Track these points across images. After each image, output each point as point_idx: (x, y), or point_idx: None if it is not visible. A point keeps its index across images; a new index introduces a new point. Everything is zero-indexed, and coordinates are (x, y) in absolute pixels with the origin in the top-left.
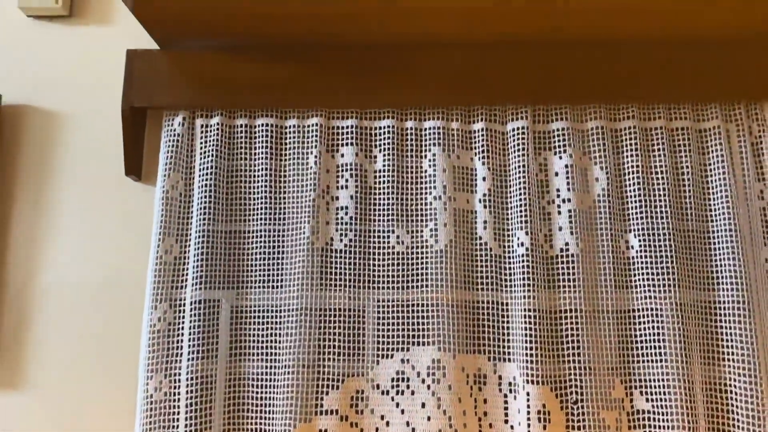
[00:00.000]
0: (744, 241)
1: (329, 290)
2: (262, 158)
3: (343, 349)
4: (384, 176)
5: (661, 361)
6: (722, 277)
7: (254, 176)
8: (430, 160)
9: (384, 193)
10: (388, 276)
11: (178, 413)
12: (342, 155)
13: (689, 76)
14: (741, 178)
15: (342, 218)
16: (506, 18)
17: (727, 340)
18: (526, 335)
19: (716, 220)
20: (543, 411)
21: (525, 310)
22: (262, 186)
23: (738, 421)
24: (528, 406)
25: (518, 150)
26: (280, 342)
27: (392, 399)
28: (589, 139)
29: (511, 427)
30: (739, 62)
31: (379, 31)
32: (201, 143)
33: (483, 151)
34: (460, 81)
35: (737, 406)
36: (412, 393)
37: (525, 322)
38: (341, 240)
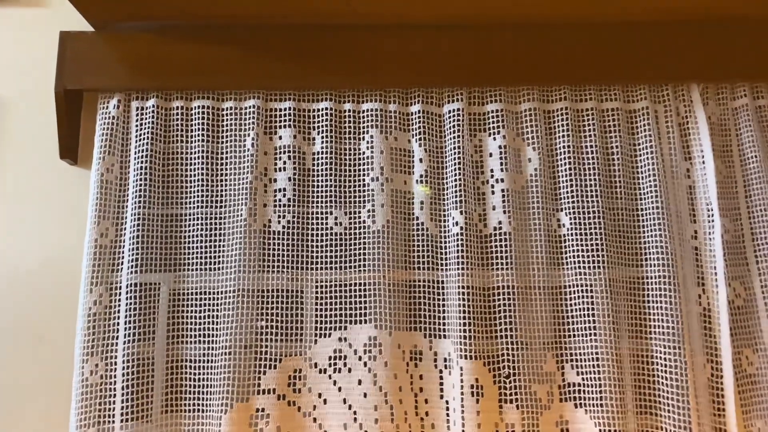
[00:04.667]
0: (671, 219)
1: (267, 272)
2: (199, 141)
3: (281, 329)
4: (322, 158)
5: (591, 335)
6: (650, 254)
7: (191, 159)
8: (368, 142)
9: (322, 175)
10: (326, 257)
11: (115, 396)
12: (280, 137)
13: (619, 58)
14: (668, 157)
15: (280, 200)
16: (439, 0)
17: (653, 314)
18: (460, 312)
19: (644, 199)
20: (476, 385)
21: (460, 287)
22: (199, 169)
23: (662, 391)
24: (461, 381)
25: (454, 132)
26: (218, 324)
27: (329, 377)
28: (523, 120)
29: (446, 401)
30: (667, 45)
31: (315, 13)
32: (136, 126)
33: (420, 133)
34: (396, 64)
35: (662, 377)
36: (349, 371)
37: (460, 300)
38: (279, 222)
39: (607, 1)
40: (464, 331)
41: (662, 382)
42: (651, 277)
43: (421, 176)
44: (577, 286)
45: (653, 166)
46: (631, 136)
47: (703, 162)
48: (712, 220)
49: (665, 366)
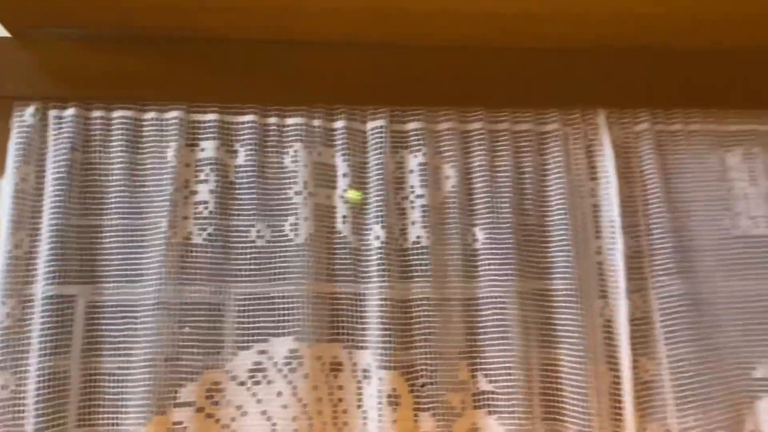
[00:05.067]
0: (576, 235)
1: (188, 284)
2: (119, 151)
3: (201, 342)
4: (245, 171)
5: (503, 345)
6: (556, 267)
7: (111, 169)
8: (292, 156)
9: (245, 188)
10: (248, 269)
11: (27, 411)
12: (202, 149)
13: (532, 83)
14: (576, 177)
15: (201, 213)
16: (364, 20)
17: (560, 325)
18: (380, 324)
19: (552, 216)
20: (393, 395)
21: (380, 300)
22: (118, 179)
23: (567, 397)
24: (379, 391)
25: (377, 148)
26: (137, 337)
27: (248, 389)
28: (442, 139)
29: (364, 411)
30: (576, 72)
31: (242, 27)
32: (54, 135)
33: (344, 149)
34: (321, 80)
35: (567, 384)
36: (269, 383)
37: (379, 312)
38: (200, 234)
39: (520, 28)
40: (383, 342)
41: (567, 389)
42: (557, 290)
43: (345, 191)
44: (490, 297)
45: (561, 185)
46: (541, 157)
47: (608, 182)
48: (615, 237)
49: (569, 374)
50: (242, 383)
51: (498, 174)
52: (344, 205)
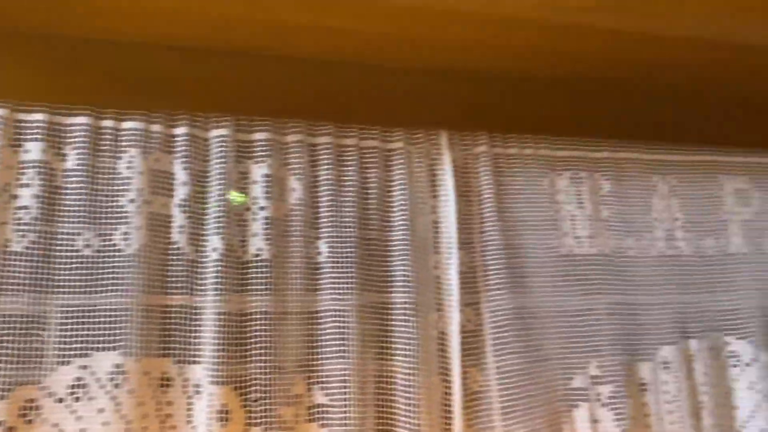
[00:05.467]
0: (416, 250)
1: (4, 295)
2: None
3: (14, 356)
4: (74, 175)
5: (341, 358)
6: (396, 281)
7: None
8: (127, 162)
9: (73, 194)
10: (72, 280)
11: None
12: (26, 151)
13: (380, 101)
14: (418, 194)
15: (22, 218)
16: (209, 26)
17: (396, 338)
18: (214, 338)
19: (394, 231)
20: (223, 410)
21: (215, 313)
22: None
23: (399, 409)
24: (209, 407)
25: (219, 157)
26: None
27: (67, 406)
28: (289, 151)
29: (194, 427)
30: (422, 94)
31: (77, 26)
32: None
33: (184, 156)
34: (162, 85)
35: (400, 397)
36: (90, 399)
37: (214, 325)
38: (20, 242)
39: (372, 46)
40: (216, 356)
41: (401, 401)
42: (396, 303)
43: (183, 200)
44: (331, 311)
45: (404, 202)
46: (386, 173)
47: (447, 200)
48: (451, 253)
49: (404, 386)
50: (61, 400)
51: (343, 188)
52: (181, 214)
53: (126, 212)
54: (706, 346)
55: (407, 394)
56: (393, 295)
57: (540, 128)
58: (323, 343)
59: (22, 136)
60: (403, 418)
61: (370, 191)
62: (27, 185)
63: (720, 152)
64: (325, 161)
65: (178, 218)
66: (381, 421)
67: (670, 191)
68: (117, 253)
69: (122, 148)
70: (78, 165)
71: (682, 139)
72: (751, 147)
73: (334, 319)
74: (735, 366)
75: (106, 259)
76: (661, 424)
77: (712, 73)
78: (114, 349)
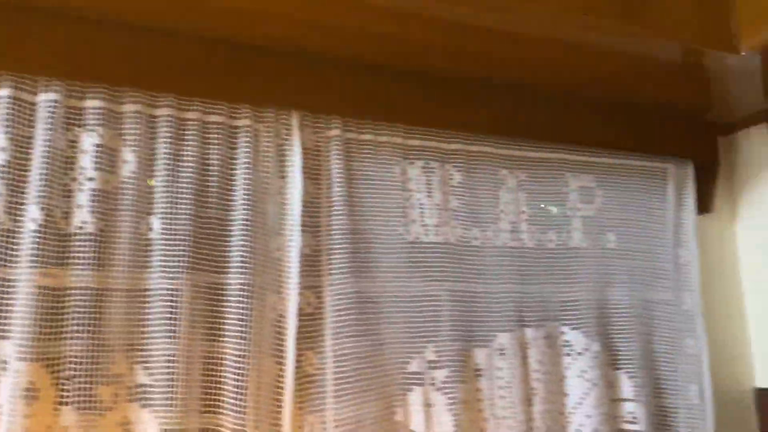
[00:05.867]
0: (257, 230)
1: None
2: None
3: None
4: None
5: (168, 337)
6: (233, 261)
7: None
8: None
9: None
10: None
11: None
12: None
13: (226, 76)
14: (264, 174)
15: None
16: None
17: (229, 319)
18: (27, 312)
19: (235, 210)
20: (31, 388)
21: (31, 287)
22: None
23: (227, 391)
24: (15, 384)
25: (46, 123)
26: None
27: None
28: (124, 121)
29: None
30: (275, 72)
31: None
32: None
33: (6, 120)
34: None
35: (229, 378)
36: None
37: (28, 299)
38: None
39: (225, 19)
40: (26, 332)
41: (228, 383)
42: (232, 284)
43: (2, 166)
44: (160, 289)
45: (247, 181)
46: (231, 150)
47: (294, 182)
48: (294, 235)
49: (232, 368)
50: None
51: (181, 163)
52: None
53: None
54: (541, 335)
55: (237, 376)
56: (229, 275)
57: (395, 117)
58: (150, 322)
59: None
60: (231, 400)
61: (210, 168)
62: None
63: (568, 151)
64: (164, 134)
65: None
66: (207, 402)
67: (518, 185)
68: None
69: None
70: None
71: (533, 136)
72: (597, 147)
73: (162, 297)
74: (568, 355)
75: None
76: (494, 408)
77: (564, 74)
78: None
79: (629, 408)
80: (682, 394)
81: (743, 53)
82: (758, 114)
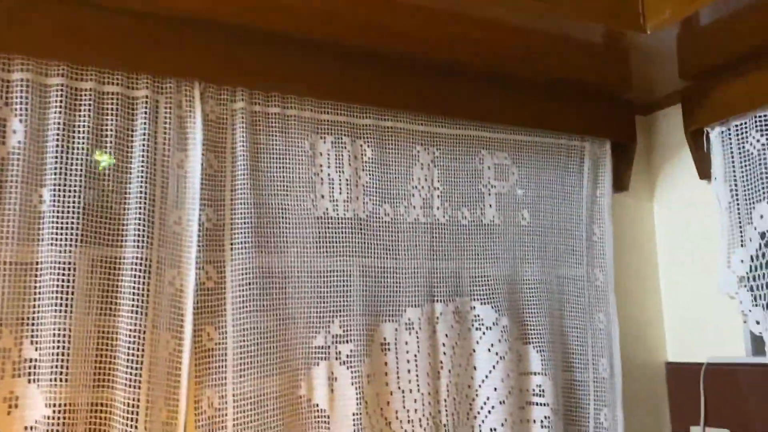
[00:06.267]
0: (154, 203)
1: None
2: None
3: None
4: None
5: (58, 312)
6: (129, 235)
7: None
8: None
9: None
10: None
11: None
12: None
13: (124, 45)
14: (164, 146)
15: None
16: None
17: (124, 293)
18: None
19: (133, 182)
20: None
21: None
22: None
23: (120, 365)
24: None
25: None
26: None
27: None
28: (13, 90)
29: None
30: (176, 41)
31: None
32: None
33: None
34: None
35: (122, 353)
36: None
37: None
38: None
39: None
40: None
41: (122, 357)
42: (127, 258)
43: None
44: (52, 262)
45: (145, 153)
46: (127, 122)
47: (195, 155)
48: (195, 209)
49: (127, 342)
50: None
51: (74, 134)
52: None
53: None
54: (451, 310)
55: (131, 351)
56: (125, 249)
57: (305, 91)
58: (39, 296)
59: None
60: (124, 375)
61: (106, 139)
62: None
63: (484, 128)
64: (56, 104)
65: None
66: (100, 377)
67: (432, 162)
68: None
69: None
70: None
71: (449, 113)
72: (514, 125)
73: (53, 271)
74: (477, 329)
75: None
76: (400, 382)
77: (481, 51)
78: None
79: (537, 381)
80: (591, 368)
81: (649, 32)
82: (675, 94)
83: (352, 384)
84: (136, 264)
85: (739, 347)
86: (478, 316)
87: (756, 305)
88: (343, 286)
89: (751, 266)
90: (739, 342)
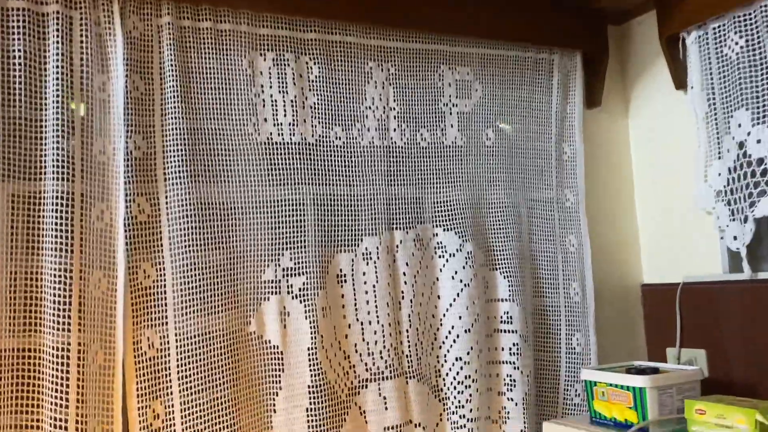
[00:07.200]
0: (76, 132)
1: None
2: None
3: None
4: None
5: None
6: (48, 168)
7: None
8: None
9: None
10: None
11: None
12: None
13: None
14: (83, 68)
15: None
16: None
17: (46, 230)
18: None
19: (48, 109)
20: None
21: None
22: None
23: (46, 308)
24: None
25: None
26: None
27: None
28: None
29: None
30: None
31: None
32: None
33: None
34: None
35: (47, 294)
36: None
37: None
38: None
39: None
40: None
41: (48, 299)
42: (47, 192)
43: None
44: None
45: (60, 76)
46: (41, 41)
47: (117, 77)
48: (121, 136)
49: (52, 283)
50: None
51: None
52: None
53: None
54: (411, 237)
55: (57, 292)
56: (44, 183)
57: (239, 3)
58: None
59: None
60: (52, 317)
61: (13, 61)
62: None
63: (444, 41)
64: None
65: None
66: (26, 321)
67: (387, 79)
68: None
69: None
70: None
71: (404, 24)
72: (476, 37)
73: None
74: (441, 257)
75: None
76: (358, 314)
77: None
78: None
79: (504, 308)
80: (563, 293)
81: None
82: (650, 1)
83: (306, 318)
84: (57, 198)
85: (716, 266)
86: (441, 243)
87: (733, 219)
88: (293, 216)
89: (728, 179)
90: (716, 260)
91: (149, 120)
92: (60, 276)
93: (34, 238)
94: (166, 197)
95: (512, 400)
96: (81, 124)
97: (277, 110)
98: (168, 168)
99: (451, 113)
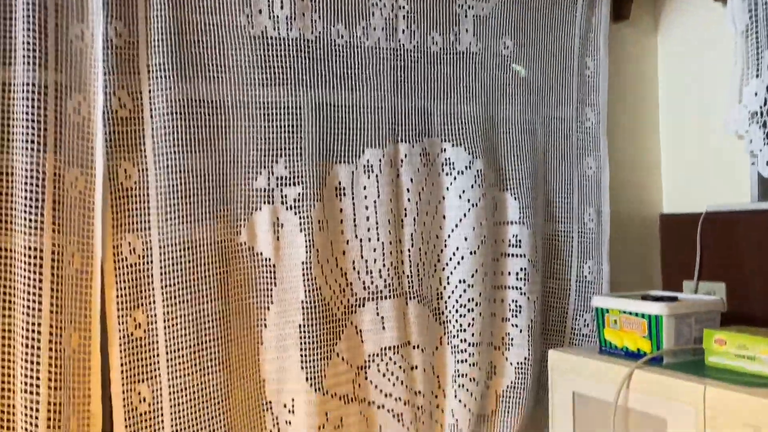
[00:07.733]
0: (49, 15)
1: None
2: None
3: None
4: None
5: None
6: (18, 54)
7: None
8: None
9: None
10: None
11: None
12: None
13: None
14: None
15: None
16: None
17: (17, 122)
18: None
19: None
20: None
21: None
22: None
23: (19, 204)
24: None
25: None
26: None
27: None
28: None
29: None
30: None
31: None
32: None
33: None
34: None
35: (20, 191)
36: None
37: None
38: None
39: None
40: None
41: (19, 197)
42: (18, 81)
43: None
44: None
45: None
46: None
47: None
48: (99, 21)
49: (23, 180)
50: None
51: None
52: None
53: None
54: (417, 151)
55: (29, 190)
56: (14, 70)
57: None
58: None
59: None
60: (24, 217)
61: None
62: None
63: None
64: None
65: None
66: None
67: None
68: None
69: None
70: None
71: None
72: None
73: None
74: (448, 174)
75: None
76: (357, 230)
77: None
78: None
79: (513, 231)
80: (577, 219)
81: None
82: None
83: (301, 230)
84: (28, 87)
85: (744, 195)
86: (449, 159)
87: None
88: (289, 121)
89: (766, 98)
90: (743, 189)
91: (132, 5)
92: (32, 172)
93: (3, 130)
94: (150, 92)
95: (517, 326)
96: (55, 4)
97: (273, 1)
98: (152, 60)
99: (466, 16)
